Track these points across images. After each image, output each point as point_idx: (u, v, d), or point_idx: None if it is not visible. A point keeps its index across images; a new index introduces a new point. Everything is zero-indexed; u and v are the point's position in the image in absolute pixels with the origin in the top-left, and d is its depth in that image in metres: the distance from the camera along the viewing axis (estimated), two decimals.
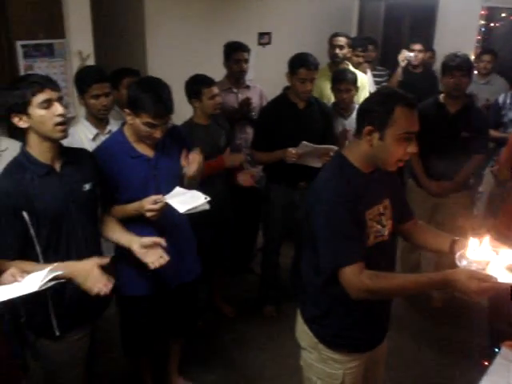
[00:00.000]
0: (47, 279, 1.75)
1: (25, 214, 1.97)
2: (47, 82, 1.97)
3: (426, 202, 3.63)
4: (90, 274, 1.97)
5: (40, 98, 1.93)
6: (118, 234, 2.28)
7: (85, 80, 2.76)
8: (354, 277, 1.77)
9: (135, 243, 2.19)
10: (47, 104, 1.94)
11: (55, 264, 1.95)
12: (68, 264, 2.01)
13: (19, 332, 2.26)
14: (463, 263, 1.73)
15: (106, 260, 2.05)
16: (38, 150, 2.02)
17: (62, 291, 2.08)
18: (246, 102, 3.81)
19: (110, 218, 2.33)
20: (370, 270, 1.82)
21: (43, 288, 1.75)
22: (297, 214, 3.49)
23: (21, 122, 1.96)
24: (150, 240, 2.19)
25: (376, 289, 1.77)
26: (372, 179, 1.91)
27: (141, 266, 2.31)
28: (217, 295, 3.87)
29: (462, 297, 1.67)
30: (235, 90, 3.91)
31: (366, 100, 1.96)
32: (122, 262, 2.50)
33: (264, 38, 5.42)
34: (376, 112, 1.78)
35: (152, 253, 2.18)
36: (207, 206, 2.34)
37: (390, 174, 1.97)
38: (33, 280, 1.76)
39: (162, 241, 2.18)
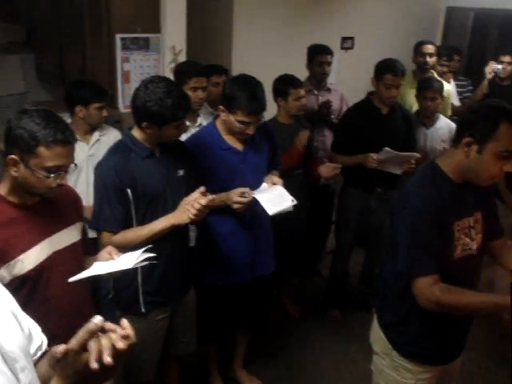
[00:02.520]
0: (142, 258, 1.83)
1: (129, 191, 2.10)
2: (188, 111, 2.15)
3: (509, 218, 3.52)
4: (183, 207, 2.08)
5: (178, 123, 2.10)
6: None
7: (186, 72, 2.89)
8: (427, 287, 1.77)
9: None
10: (180, 126, 2.14)
11: (157, 220, 2.11)
12: (166, 216, 2.12)
13: (105, 308, 2.37)
14: None
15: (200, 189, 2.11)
16: (144, 137, 2.15)
17: (152, 271, 2.19)
18: (326, 105, 3.82)
19: None
20: (455, 282, 1.81)
21: (137, 266, 1.83)
22: (371, 220, 3.47)
23: (148, 130, 2.11)
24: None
25: (445, 303, 1.76)
26: (464, 191, 1.87)
27: (220, 256, 2.38)
28: (283, 295, 3.90)
29: None
30: (316, 92, 3.93)
31: (471, 110, 1.92)
32: (203, 252, 2.60)
33: (347, 42, 5.40)
34: (479, 124, 1.74)
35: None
36: (292, 209, 2.39)
37: (484, 187, 1.92)
38: (127, 258, 1.84)
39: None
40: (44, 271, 1.77)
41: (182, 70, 2.95)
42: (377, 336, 2.11)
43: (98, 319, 0.98)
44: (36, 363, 1.20)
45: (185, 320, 2.50)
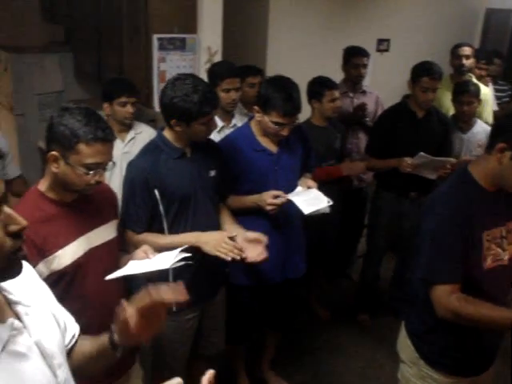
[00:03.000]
0: (178, 258, 1.85)
1: (156, 192, 2.12)
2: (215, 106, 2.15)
3: None
4: (220, 243, 2.09)
5: (205, 119, 2.10)
6: (228, 225, 2.35)
7: (218, 74, 2.90)
8: (444, 296, 1.74)
9: (240, 235, 2.24)
10: (209, 123, 2.13)
11: (186, 234, 2.13)
12: (198, 234, 2.15)
13: None
14: None
15: (234, 234, 2.15)
16: (174, 137, 2.17)
17: (183, 270, 2.19)
18: (362, 107, 3.79)
19: (224, 208, 2.43)
20: (485, 293, 1.78)
21: (174, 266, 1.85)
22: (404, 225, 3.43)
23: (177, 127, 2.12)
24: (254, 235, 2.23)
25: (462, 313, 1.72)
26: (496, 199, 1.82)
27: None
28: (313, 297, 3.89)
29: None
30: (351, 95, 3.91)
31: (506, 115, 1.88)
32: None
33: (383, 44, 5.34)
34: None
35: (253, 248, 2.20)
36: (328, 210, 2.39)
37: None
38: (164, 258, 1.86)
39: (264, 238, 2.21)
40: (80, 267, 1.80)
41: (215, 71, 2.96)
42: (404, 344, 2.08)
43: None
44: (69, 352, 1.25)
45: (214, 320, 2.51)
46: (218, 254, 2.07)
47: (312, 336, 3.62)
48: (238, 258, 2.08)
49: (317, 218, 2.51)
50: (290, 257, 2.62)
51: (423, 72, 3.20)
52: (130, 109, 2.93)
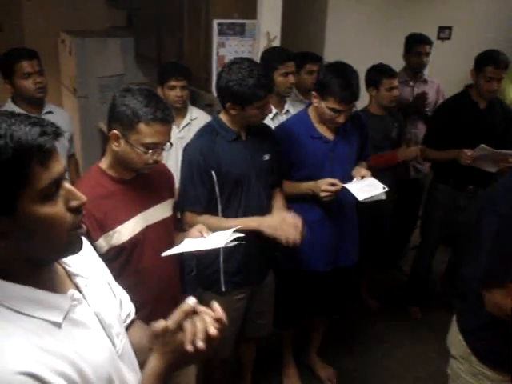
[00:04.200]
0: (232, 238, 1.88)
1: (213, 173, 2.16)
2: (270, 90, 2.17)
3: None
4: (280, 226, 2.10)
5: (260, 103, 2.11)
6: (276, 209, 2.36)
7: (276, 58, 2.90)
8: (500, 296, 1.72)
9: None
10: (263, 107, 2.14)
11: (248, 218, 2.16)
12: (260, 218, 2.18)
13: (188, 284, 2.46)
14: None
15: (293, 216, 2.14)
16: (230, 120, 2.20)
17: (233, 251, 2.23)
18: (422, 97, 3.71)
19: (278, 193, 2.44)
20: None
21: (227, 246, 1.88)
22: (460, 218, 3.34)
23: (232, 111, 2.15)
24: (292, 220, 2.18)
25: None
26: None
27: (304, 242, 2.39)
28: (363, 287, 3.87)
29: None
30: (411, 84, 3.83)
31: None
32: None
33: (444, 32, 5.18)
34: None
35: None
36: (384, 196, 2.35)
37: None
38: (218, 237, 1.89)
39: (299, 222, 2.15)
40: (138, 243, 1.86)
41: (270, 57, 2.96)
42: (455, 339, 2.04)
43: (192, 301, 1.04)
44: (126, 330, 1.26)
45: (262, 302, 2.54)
46: (279, 235, 2.08)
47: (361, 325, 3.61)
48: (298, 240, 2.08)
49: (370, 208, 2.48)
50: (341, 245, 2.61)
51: (488, 61, 3.09)
52: (178, 92, 2.93)
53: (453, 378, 2.08)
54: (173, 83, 2.93)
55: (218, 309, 1.06)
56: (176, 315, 1.03)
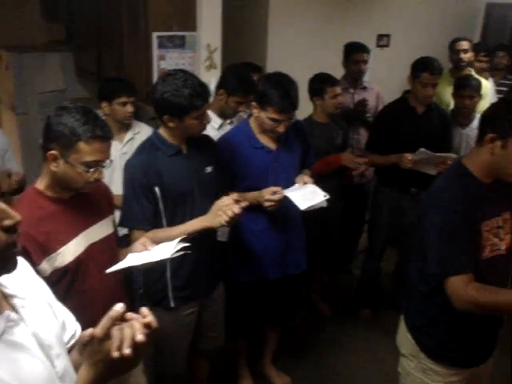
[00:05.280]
0: (178, 248, 1.86)
1: (156, 189, 2.13)
2: (206, 99, 2.15)
3: None
4: (217, 211, 2.07)
5: (197, 113, 2.09)
6: None
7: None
8: (462, 287, 1.74)
9: None
10: (201, 117, 2.12)
11: (192, 220, 2.13)
12: (201, 218, 2.14)
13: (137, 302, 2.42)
14: None
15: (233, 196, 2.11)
16: (169, 134, 2.18)
17: (180, 266, 2.23)
18: (362, 103, 3.80)
19: None
20: (483, 283, 1.78)
21: (174, 256, 1.86)
22: (405, 220, 3.43)
23: (170, 123, 2.12)
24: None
25: (482, 302, 1.72)
26: (492, 190, 1.83)
27: (252, 253, 2.39)
28: (314, 292, 3.90)
29: None
30: (352, 91, 3.91)
31: (492, 106, 1.89)
32: (234, 249, 2.63)
33: (383, 40, 5.34)
34: (500, 119, 1.71)
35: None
36: (325, 204, 2.40)
37: None
38: (163, 249, 1.87)
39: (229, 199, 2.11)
40: (82, 263, 1.83)
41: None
42: (404, 338, 2.09)
43: (119, 306, 1.02)
44: (69, 351, 1.24)
45: (213, 315, 2.53)
46: (223, 219, 2.04)
47: (314, 331, 3.64)
48: (238, 210, 2.04)
49: (318, 213, 2.52)
50: (289, 253, 2.63)
51: (423, 67, 3.19)
52: (130, 108, 2.94)
53: (403, 376, 2.13)
54: (124, 100, 2.92)
55: (146, 314, 1.04)
56: (103, 322, 1.01)
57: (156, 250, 1.89)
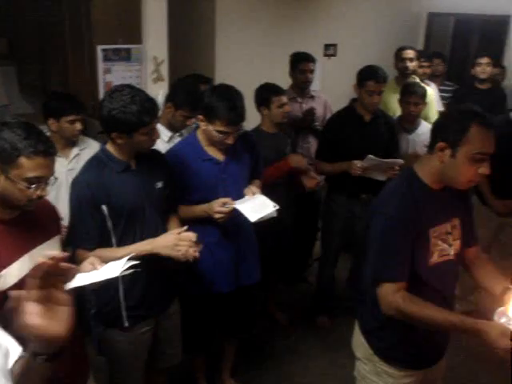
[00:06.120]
0: (126, 266, 1.83)
1: (104, 208, 2.08)
2: (155, 115, 2.12)
3: (491, 221, 3.55)
4: (176, 242, 2.06)
5: (146, 129, 2.06)
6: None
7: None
8: (390, 293, 1.79)
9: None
10: (151, 132, 2.10)
11: (141, 242, 2.09)
12: (152, 239, 2.11)
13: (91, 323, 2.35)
14: (502, 320, 1.71)
15: (184, 228, 2.11)
16: (117, 150, 2.14)
17: (133, 284, 2.18)
18: (310, 112, 3.84)
19: (173, 218, 2.41)
20: (432, 288, 1.85)
21: (123, 274, 1.82)
22: (357, 226, 3.48)
23: (119, 140, 2.08)
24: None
25: (405, 311, 1.77)
26: (441, 196, 1.88)
27: (204, 266, 2.37)
28: (271, 302, 3.90)
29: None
30: (300, 100, 3.95)
31: (443, 115, 1.95)
32: (186, 262, 2.59)
33: (330, 49, 5.45)
34: (450, 128, 1.76)
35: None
36: (275, 214, 2.41)
37: (462, 193, 1.94)
38: (112, 267, 1.84)
39: (193, 236, 2.13)
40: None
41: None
42: (358, 342, 2.12)
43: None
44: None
45: (169, 332, 2.48)
46: (176, 254, 2.04)
47: (272, 341, 3.63)
48: (197, 254, 2.05)
49: (270, 223, 2.52)
50: (242, 264, 2.62)
51: (368, 76, 3.26)
52: (78, 126, 2.89)
53: (359, 380, 2.15)
54: (73, 118, 2.86)
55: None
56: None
57: (105, 268, 1.85)
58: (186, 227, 2.13)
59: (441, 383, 2.21)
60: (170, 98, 2.90)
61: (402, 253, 1.80)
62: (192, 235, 2.09)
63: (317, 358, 3.48)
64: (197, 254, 2.07)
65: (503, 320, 1.73)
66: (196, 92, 2.93)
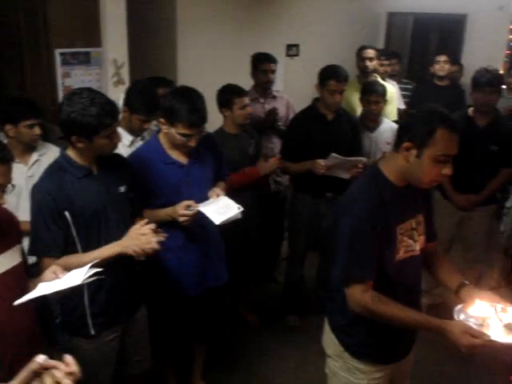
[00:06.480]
0: (89, 274, 1.80)
1: (67, 214, 2.04)
2: (116, 118, 2.09)
3: (453, 216, 3.62)
4: (139, 237, 2.02)
5: (107, 132, 2.03)
6: None
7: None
8: (359, 292, 1.83)
9: None
10: (112, 135, 2.06)
11: (108, 245, 2.05)
12: (117, 242, 2.07)
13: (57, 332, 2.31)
14: (461, 317, 1.81)
15: (144, 221, 2.07)
16: (78, 155, 2.10)
17: (98, 291, 2.15)
18: (273, 112, 3.86)
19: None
20: (399, 283, 1.89)
21: (85, 282, 1.79)
22: (322, 225, 3.51)
23: (79, 144, 2.04)
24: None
25: (374, 310, 1.82)
26: (405, 193, 1.91)
27: (170, 270, 2.34)
28: (241, 303, 3.90)
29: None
30: (262, 100, 3.96)
31: (410, 115, 1.98)
32: (152, 267, 2.57)
33: (292, 49, 5.49)
34: (417, 130, 1.79)
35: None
36: (240, 216, 2.41)
37: (424, 190, 1.98)
38: (75, 275, 1.81)
39: (148, 228, 2.07)
40: None
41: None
42: (328, 339, 2.14)
43: (41, 358, 0.97)
44: None
45: (137, 338, 2.45)
46: (143, 248, 2.01)
47: (243, 342, 3.63)
48: (163, 239, 2.03)
49: (237, 224, 2.52)
50: (209, 267, 2.62)
51: (329, 75, 3.29)
52: (37, 130, 2.83)
53: (330, 377, 2.17)
54: (31, 122, 2.79)
55: (70, 362, 0.99)
56: (22, 375, 0.95)
57: (67, 277, 1.82)
58: (146, 220, 2.09)
59: (409, 376, 2.25)
60: (125, 102, 2.87)
61: (370, 253, 1.83)
62: (151, 224, 2.05)
63: (288, 357, 3.49)
64: (154, 245, 2.01)
65: (462, 317, 1.81)
66: (151, 95, 2.89)
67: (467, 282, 1.97)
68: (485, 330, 1.74)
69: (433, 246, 2.11)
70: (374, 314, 1.84)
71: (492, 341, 1.69)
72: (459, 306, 1.85)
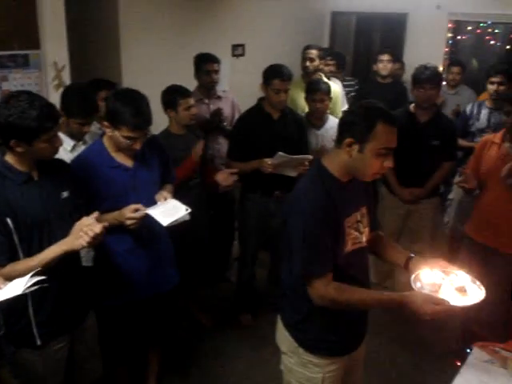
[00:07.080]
0: (30, 283, 1.76)
1: (8, 221, 1.97)
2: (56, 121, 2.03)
3: (399, 209, 3.73)
4: (78, 232, 1.98)
5: (48, 135, 1.97)
6: None
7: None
8: (322, 287, 1.88)
9: None
10: (52, 140, 2.01)
11: (52, 247, 2.00)
12: (62, 241, 2.01)
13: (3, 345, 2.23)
14: (417, 285, 1.89)
15: (85, 218, 2.03)
16: (17, 160, 2.03)
17: (43, 299, 2.09)
18: (218, 113, 3.86)
19: None
20: (348, 274, 1.94)
21: (27, 292, 1.75)
22: (272, 223, 3.53)
23: (18, 148, 1.97)
24: None
25: (339, 301, 1.88)
26: (350, 188, 1.96)
27: (119, 275, 2.30)
28: (193, 305, 3.87)
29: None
30: (207, 101, 3.95)
31: (350, 112, 2.02)
32: (100, 273, 2.52)
33: (238, 49, 5.49)
34: (358, 125, 1.84)
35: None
36: (188, 217, 2.39)
37: (365, 182, 2.04)
38: (15, 285, 1.76)
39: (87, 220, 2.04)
40: None
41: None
42: (282, 336, 2.16)
43: None
44: None
45: (87, 345, 2.41)
46: (84, 240, 1.96)
47: (197, 344, 3.61)
48: (102, 229, 1.97)
49: (185, 226, 2.50)
50: (158, 270, 2.59)
51: (273, 75, 3.31)
52: None
53: (286, 374, 2.19)
54: None
55: None
56: None
57: (8, 287, 1.77)
58: (91, 216, 2.05)
59: (362, 365, 2.31)
60: (60, 107, 2.79)
61: (324, 247, 1.87)
62: (91, 216, 2.02)
63: (243, 357, 3.50)
64: (98, 230, 1.96)
65: (418, 285, 1.89)
66: (87, 97, 2.82)
67: (413, 255, 2.07)
68: (440, 296, 1.83)
69: (377, 233, 2.20)
70: (339, 304, 1.90)
71: (452, 305, 1.78)
72: (413, 276, 1.93)
